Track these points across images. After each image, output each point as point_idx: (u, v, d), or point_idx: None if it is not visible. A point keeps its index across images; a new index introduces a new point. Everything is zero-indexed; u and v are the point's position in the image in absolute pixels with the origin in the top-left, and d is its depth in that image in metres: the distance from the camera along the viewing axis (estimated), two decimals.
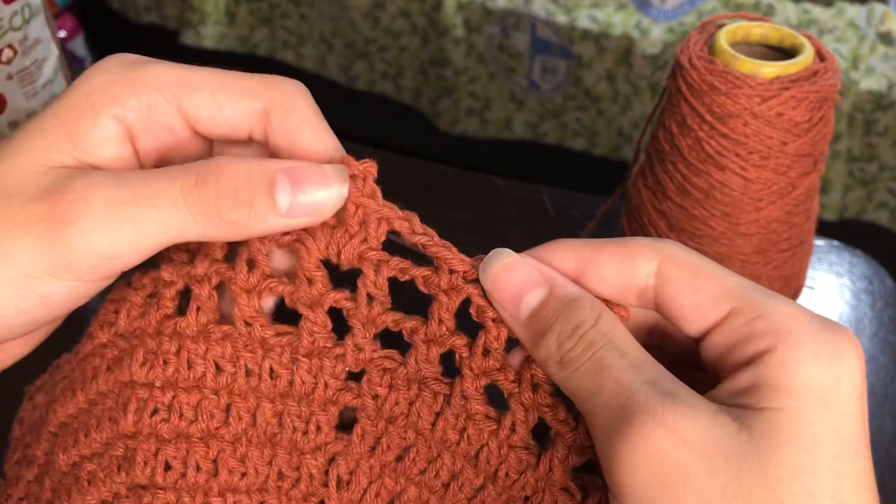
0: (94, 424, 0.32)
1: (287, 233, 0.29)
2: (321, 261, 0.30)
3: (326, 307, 0.30)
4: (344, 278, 0.30)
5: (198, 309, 0.31)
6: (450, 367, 0.30)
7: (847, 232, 1.26)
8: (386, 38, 1.46)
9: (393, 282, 0.30)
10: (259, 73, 0.30)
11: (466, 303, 0.29)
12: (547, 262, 0.29)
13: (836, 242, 0.68)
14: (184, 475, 0.32)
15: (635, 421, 0.24)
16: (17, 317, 0.28)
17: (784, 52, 0.49)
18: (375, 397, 0.30)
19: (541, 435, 0.30)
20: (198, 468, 0.31)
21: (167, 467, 0.31)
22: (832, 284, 0.64)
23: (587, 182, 1.38)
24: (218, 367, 0.31)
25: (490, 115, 1.44)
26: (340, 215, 0.29)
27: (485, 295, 0.29)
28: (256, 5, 1.52)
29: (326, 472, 0.31)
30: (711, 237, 0.50)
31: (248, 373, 0.31)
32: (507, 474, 0.29)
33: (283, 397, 0.31)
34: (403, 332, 0.30)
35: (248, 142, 0.31)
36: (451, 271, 0.29)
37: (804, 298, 0.55)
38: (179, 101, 0.29)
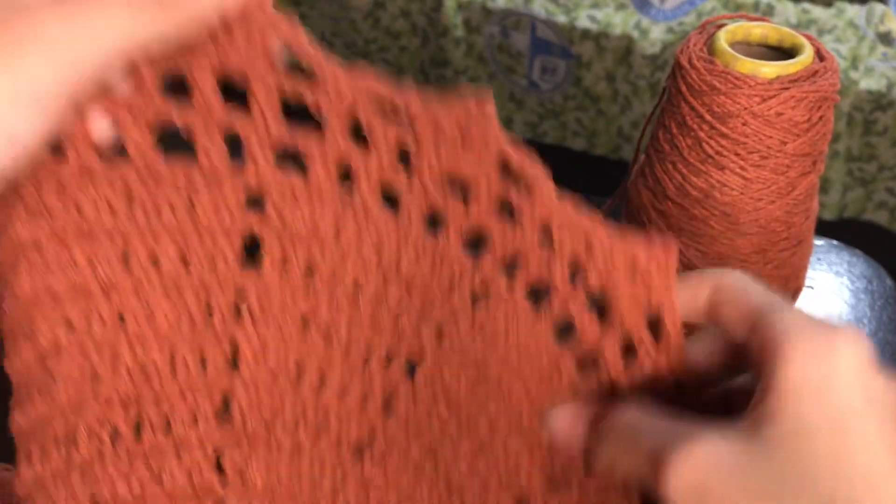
0: (1, 297, 0.30)
1: (170, 61, 0.28)
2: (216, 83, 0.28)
3: (220, 130, 0.29)
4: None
5: (74, 145, 0.28)
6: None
7: (846, 231, 1.26)
8: (386, 39, 1.46)
9: None
10: None
11: None
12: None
13: (835, 242, 0.68)
14: (88, 331, 0.29)
15: (669, 464, 0.27)
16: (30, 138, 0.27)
17: (784, 52, 0.50)
18: (279, 215, 0.30)
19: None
20: (102, 321, 0.29)
21: (69, 326, 0.29)
22: (831, 284, 0.64)
23: (587, 182, 1.37)
24: (111, 208, 0.29)
25: None
26: (229, 31, 0.28)
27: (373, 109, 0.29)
28: None
29: (237, 309, 0.31)
30: (711, 237, 0.51)
31: (145, 210, 0.29)
32: (407, 264, 0.30)
33: (184, 232, 0.30)
34: (300, 147, 0.29)
35: None
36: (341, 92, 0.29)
37: (804, 298, 0.56)
38: None
